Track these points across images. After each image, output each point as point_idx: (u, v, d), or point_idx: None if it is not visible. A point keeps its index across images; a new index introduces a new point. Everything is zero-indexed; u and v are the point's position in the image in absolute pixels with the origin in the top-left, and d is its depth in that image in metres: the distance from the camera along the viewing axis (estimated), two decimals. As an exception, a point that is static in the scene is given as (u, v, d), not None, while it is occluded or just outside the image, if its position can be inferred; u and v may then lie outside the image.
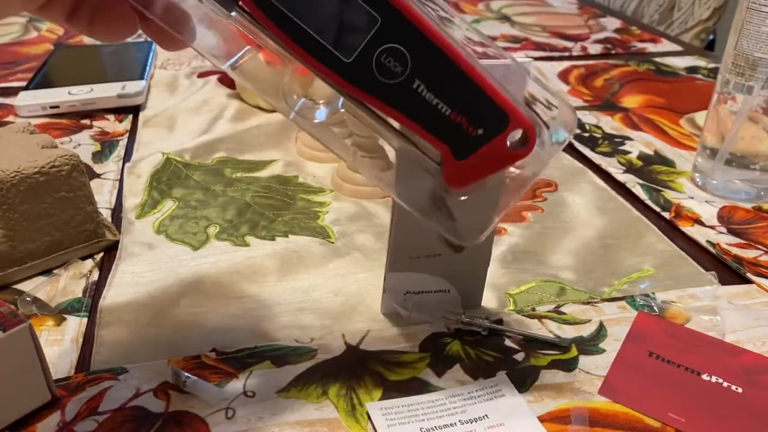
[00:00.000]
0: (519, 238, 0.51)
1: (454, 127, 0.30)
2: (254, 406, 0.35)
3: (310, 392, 0.36)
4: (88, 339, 0.40)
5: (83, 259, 0.47)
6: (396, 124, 0.32)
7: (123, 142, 0.64)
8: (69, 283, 0.45)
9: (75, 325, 0.41)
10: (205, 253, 0.48)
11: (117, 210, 0.53)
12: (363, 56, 0.29)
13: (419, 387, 0.37)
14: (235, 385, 0.36)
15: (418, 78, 0.29)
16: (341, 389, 0.36)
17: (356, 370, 0.38)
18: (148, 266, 0.46)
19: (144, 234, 0.50)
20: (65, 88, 0.71)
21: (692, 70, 0.93)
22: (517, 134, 0.31)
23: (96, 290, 0.44)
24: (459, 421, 0.35)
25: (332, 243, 0.50)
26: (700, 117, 0.77)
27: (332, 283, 0.45)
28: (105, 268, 0.47)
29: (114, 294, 0.43)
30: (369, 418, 0.35)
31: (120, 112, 0.70)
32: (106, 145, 0.63)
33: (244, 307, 0.43)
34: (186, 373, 0.35)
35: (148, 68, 0.78)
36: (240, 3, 0.28)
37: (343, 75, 0.29)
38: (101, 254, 0.48)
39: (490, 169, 0.32)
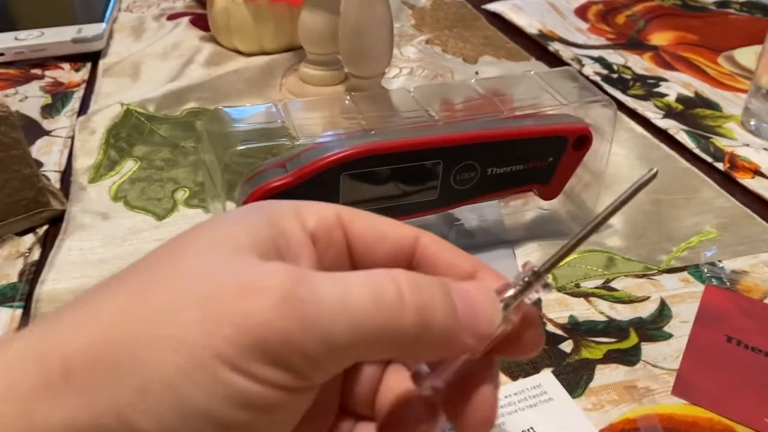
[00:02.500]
0: (549, 202, 0.43)
1: (531, 172, 0.37)
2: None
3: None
4: (23, 337, 0.32)
5: (22, 234, 0.39)
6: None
7: (78, 94, 0.55)
8: (2, 264, 0.36)
9: (6, 318, 0.33)
10: (171, 223, 0.39)
11: (68, 173, 0.44)
12: (444, 186, 0.35)
13: (443, 391, 0.29)
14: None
15: (488, 167, 0.35)
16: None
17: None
18: (101, 241, 0.38)
19: (98, 201, 0.41)
20: (11, 33, 0.61)
21: (722, 4, 0.83)
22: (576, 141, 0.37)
23: (36, 273, 0.36)
24: (497, 436, 0.27)
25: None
26: (740, 54, 0.68)
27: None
28: (49, 244, 0.38)
29: (56, 277, 0.35)
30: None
31: (77, 59, 0.60)
32: (58, 97, 0.54)
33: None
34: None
35: (109, 10, 0.68)
36: None
37: (437, 206, 0.36)
38: (45, 227, 0.39)
39: (569, 175, 0.38)
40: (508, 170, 0.36)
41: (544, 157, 0.36)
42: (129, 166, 0.45)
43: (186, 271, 0.17)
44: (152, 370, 0.15)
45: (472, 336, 0.18)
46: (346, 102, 0.35)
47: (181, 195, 0.42)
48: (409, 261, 0.22)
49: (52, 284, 0.34)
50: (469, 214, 0.40)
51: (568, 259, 0.37)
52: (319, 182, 0.32)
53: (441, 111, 0.35)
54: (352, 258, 0.21)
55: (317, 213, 0.21)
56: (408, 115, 0.35)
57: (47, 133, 0.49)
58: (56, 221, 0.40)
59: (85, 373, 0.15)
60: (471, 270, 0.21)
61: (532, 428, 0.27)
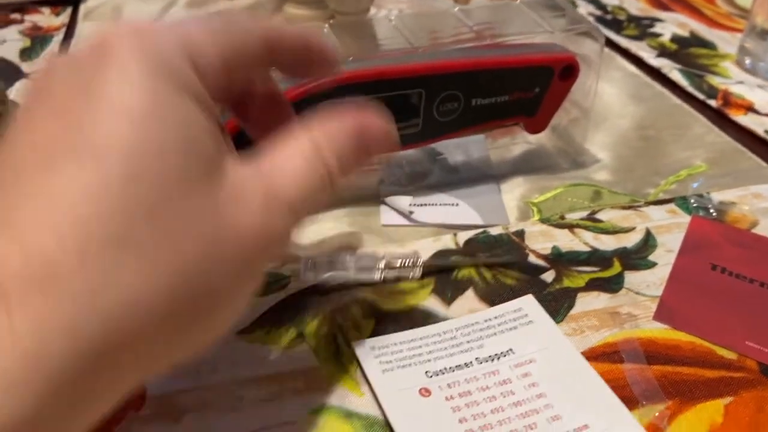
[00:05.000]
0: (536, 137, 0.42)
1: (516, 104, 0.36)
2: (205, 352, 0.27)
3: (280, 334, 0.28)
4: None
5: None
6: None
7: (58, 38, 0.53)
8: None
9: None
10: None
11: (47, 115, 0.44)
12: (426, 118, 0.34)
13: (422, 318, 0.29)
14: (183, 324, 0.28)
15: (472, 98, 0.34)
16: (321, 326, 0.28)
17: (340, 300, 0.29)
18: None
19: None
20: (-11, -23, 0.59)
21: (723, -54, 0.81)
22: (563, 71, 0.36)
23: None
24: (476, 359, 0.27)
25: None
26: (738, -6, 0.66)
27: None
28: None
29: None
30: (358, 362, 0.27)
31: (57, 3, 0.59)
32: (37, 40, 0.53)
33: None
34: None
35: (91, -46, 0.66)
36: None
37: (420, 139, 0.35)
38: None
39: (555, 107, 0.37)
40: (493, 101, 0.35)
41: (529, 88, 0.36)
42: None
43: None
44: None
45: None
46: (324, 31, 0.34)
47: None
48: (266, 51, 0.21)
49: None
50: (454, 149, 0.40)
51: (552, 193, 0.37)
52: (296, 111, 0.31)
53: (423, 40, 0.34)
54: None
55: (199, 51, 0.19)
56: (388, 44, 0.34)
57: (25, 75, 0.48)
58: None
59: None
60: None
61: (511, 350, 0.27)
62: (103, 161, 0.16)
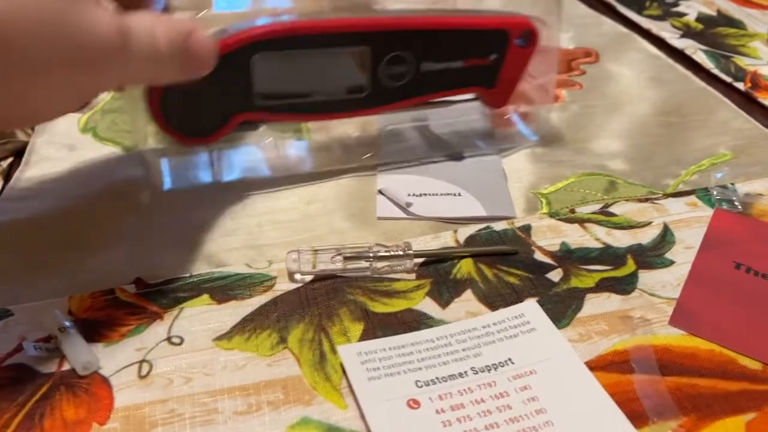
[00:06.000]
0: (550, 123, 0.39)
1: (472, 72, 0.34)
2: (180, 360, 0.25)
3: (261, 341, 0.26)
4: (-24, 271, 0.30)
5: (-16, 167, 0.37)
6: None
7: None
8: (-39, 198, 0.34)
9: (-39, 252, 0.31)
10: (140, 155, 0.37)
11: (39, 106, 0.42)
12: (374, 82, 0.32)
13: (415, 322, 0.27)
14: (158, 329, 0.26)
15: (422, 61, 0.33)
16: (306, 332, 0.26)
17: (329, 303, 0.27)
18: (65, 172, 0.35)
19: (66, 133, 0.39)
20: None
21: None
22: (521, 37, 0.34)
23: (-5, 206, 0.34)
24: (471, 368, 0.25)
25: (306, 139, 0.38)
26: (771, -30, 0.62)
27: (303, 189, 0.34)
28: (12, 176, 0.36)
29: (8, 208, 0.33)
30: (343, 370, 0.25)
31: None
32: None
33: (181, 221, 0.32)
34: (68, 321, 0.25)
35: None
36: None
37: (368, 105, 0.33)
38: (10, 160, 0.37)
39: (516, 77, 0.35)
40: (445, 67, 0.33)
41: (484, 54, 0.34)
42: (102, 96, 0.42)
43: None
44: None
45: None
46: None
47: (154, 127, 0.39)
48: None
49: (3, 215, 0.32)
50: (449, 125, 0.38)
51: (563, 183, 0.34)
52: (228, 64, 0.28)
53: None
54: None
55: None
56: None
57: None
58: (22, 154, 0.38)
59: None
60: None
61: (509, 359, 0.25)
62: None
